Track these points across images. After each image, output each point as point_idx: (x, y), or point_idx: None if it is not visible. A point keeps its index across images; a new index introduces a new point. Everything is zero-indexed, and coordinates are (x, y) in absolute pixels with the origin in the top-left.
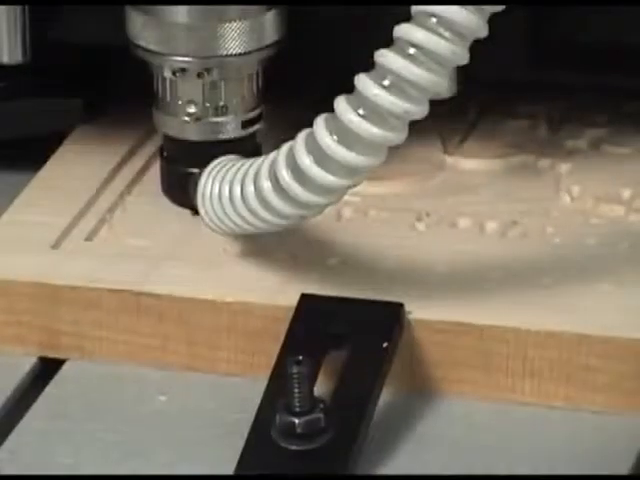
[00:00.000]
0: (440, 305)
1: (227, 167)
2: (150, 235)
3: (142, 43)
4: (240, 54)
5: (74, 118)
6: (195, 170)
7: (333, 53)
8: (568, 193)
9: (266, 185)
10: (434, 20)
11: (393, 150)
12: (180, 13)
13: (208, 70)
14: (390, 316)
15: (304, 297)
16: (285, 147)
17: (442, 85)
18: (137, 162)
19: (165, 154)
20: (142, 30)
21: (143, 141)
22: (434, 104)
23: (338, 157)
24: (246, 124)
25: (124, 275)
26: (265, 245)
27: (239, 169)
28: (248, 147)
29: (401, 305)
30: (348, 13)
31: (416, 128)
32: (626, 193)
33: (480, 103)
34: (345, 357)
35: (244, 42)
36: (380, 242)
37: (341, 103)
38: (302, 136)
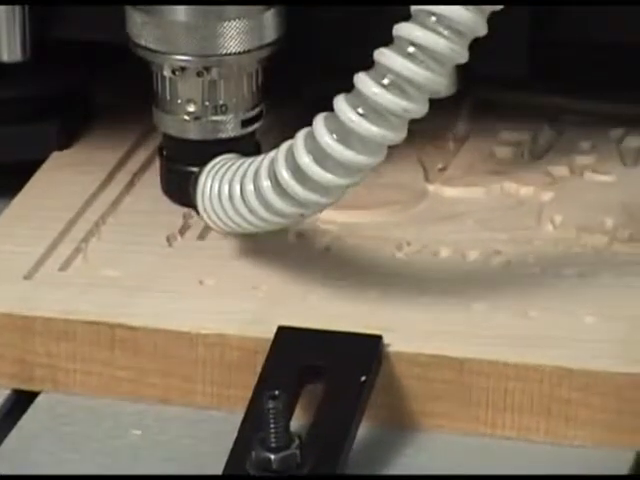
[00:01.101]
0: (419, 337)
1: (227, 166)
2: (125, 265)
3: (142, 42)
4: (239, 53)
5: (49, 145)
6: (195, 169)
7: (333, 53)
8: (551, 222)
9: (265, 184)
10: (433, 19)
11: (374, 178)
12: (180, 12)
13: (208, 69)
14: (368, 349)
15: (281, 329)
16: (284, 146)
17: (441, 84)
18: (113, 191)
19: (165, 153)
20: (142, 29)
21: (119, 167)
22: (416, 133)
23: (337, 156)
24: (246, 123)
25: (98, 306)
26: (242, 275)
27: (239, 168)
28: (248, 146)
29: (379, 337)
30: (348, 13)
31: (397, 155)
32: (609, 222)
33: (463, 129)
34: (322, 390)
35: (243, 41)
36: (359, 272)
37: (340, 102)
38: (301, 135)
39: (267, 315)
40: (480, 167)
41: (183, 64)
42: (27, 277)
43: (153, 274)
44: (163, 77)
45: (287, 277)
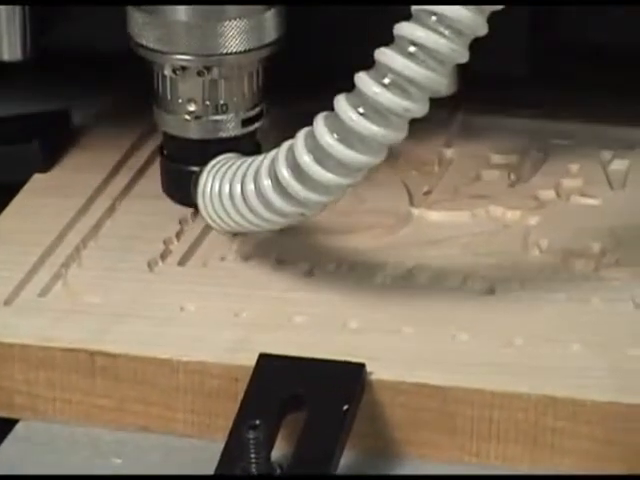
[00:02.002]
0: (403, 365)
1: (227, 165)
2: (106, 291)
3: (143, 41)
4: (240, 52)
5: (29, 167)
6: (195, 168)
7: (333, 53)
8: (537, 246)
9: (266, 183)
10: (434, 18)
11: (357, 202)
12: (180, 12)
13: (208, 68)
14: (351, 377)
15: (262, 357)
16: (285, 145)
17: (442, 83)
18: (94, 215)
19: (165, 152)
20: (143, 28)
21: (100, 191)
22: (401, 156)
23: (338, 155)
24: (246, 122)
25: (78, 333)
26: (223, 302)
27: (239, 167)
28: (248, 145)
29: (362, 365)
30: (348, 13)
31: (381, 179)
32: (596, 247)
33: (448, 152)
34: (304, 419)
35: (244, 40)
36: (342, 298)
37: (341, 101)
38: (302, 134)
39: (248, 342)
40: (465, 191)
41: (184, 63)
42: (7, 303)
43: (134, 300)
44: (164, 77)
45: (269, 303)
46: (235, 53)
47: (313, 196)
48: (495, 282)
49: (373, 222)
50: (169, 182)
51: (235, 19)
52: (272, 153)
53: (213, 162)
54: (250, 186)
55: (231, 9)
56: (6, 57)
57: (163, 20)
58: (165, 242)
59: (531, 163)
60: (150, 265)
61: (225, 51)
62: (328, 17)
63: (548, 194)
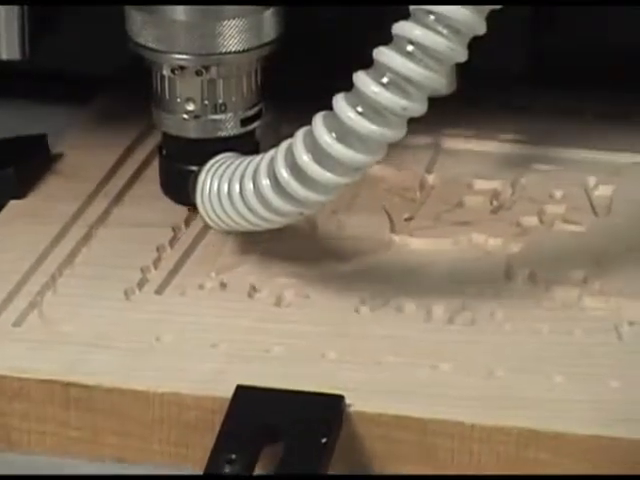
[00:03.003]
0: (382, 397)
1: (226, 165)
2: (81, 320)
3: (141, 41)
4: (238, 52)
5: (5, 194)
6: (194, 168)
7: (333, 53)
8: (520, 274)
9: (265, 183)
10: (432, 18)
11: (337, 230)
12: (179, 11)
13: (207, 68)
14: (329, 409)
15: (240, 388)
16: (284, 145)
17: (440, 82)
18: (69, 242)
19: (164, 152)
20: (141, 28)
21: (76, 218)
22: (382, 182)
23: (337, 155)
24: (245, 122)
25: (53, 364)
26: (200, 332)
27: (238, 167)
28: (247, 145)
29: (341, 397)
30: (348, 13)
31: (362, 205)
32: (580, 274)
33: (430, 177)
34: (282, 452)
35: (242, 40)
36: (320, 328)
37: (340, 101)
38: (301, 134)
39: (225, 373)
40: (447, 217)
41: (182, 63)
42: None
43: (110, 330)
44: (162, 76)
45: (246, 334)
46: (234, 52)
47: (312, 195)
48: (477, 312)
49: (352, 249)
50: (168, 182)
51: (234, 18)
52: (271, 152)
53: (212, 161)
54: (249, 185)
55: (230, 9)
56: (4, 56)
57: (162, 19)
58: (142, 270)
59: (514, 189)
60: (127, 294)
61: (224, 50)
62: (328, 17)
63: (531, 221)
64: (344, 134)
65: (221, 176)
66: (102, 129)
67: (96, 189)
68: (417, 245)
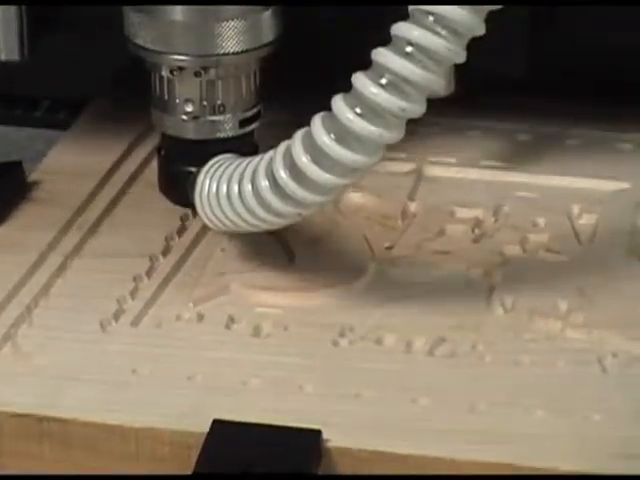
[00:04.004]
0: (361, 432)
1: (225, 166)
2: (56, 353)
3: (139, 42)
4: (237, 53)
5: None
6: (193, 169)
7: (333, 53)
8: (501, 305)
9: (264, 184)
10: (431, 18)
11: (315, 260)
12: (178, 12)
13: (205, 69)
14: (307, 444)
15: (216, 423)
16: (282, 146)
17: (439, 83)
18: (45, 273)
19: (163, 152)
20: (140, 29)
21: (52, 248)
22: (363, 210)
23: (335, 155)
24: (244, 123)
25: (27, 397)
26: (177, 364)
27: (237, 168)
28: (246, 146)
29: (319, 432)
30: (348, 13)
31: (342, 233)
32: (563, 305)
33: (412, 205)
34: None
35: (241, 41)
36: (298, 360)
37: (338, 102)
38: (299, 135)
39: (202, 407)
40: (429, 246)
41: (181, 64)
42: None
43: (85, 362)
44: (161, 77)
45: (223, 367)
46: (232, 54)
47: (311, 196)
48: (457, 343)
49: (332, 279)
50: (166, 183)
51: (232, 20)
52: (270, 153)
53: (210, 162)
54: (247, 186)
55: (228, 9)
56: (3, 57)
57: (160, 20)
58: (119, 301)
59: (496, 217)
60: (103, 325)
61: (222, 52)
62: (328, 17)
63: (514, 249)
64: (343, 135)
65: (220, 177)
66: (80, 155)
67: (72, 217)
68: (397, 275)
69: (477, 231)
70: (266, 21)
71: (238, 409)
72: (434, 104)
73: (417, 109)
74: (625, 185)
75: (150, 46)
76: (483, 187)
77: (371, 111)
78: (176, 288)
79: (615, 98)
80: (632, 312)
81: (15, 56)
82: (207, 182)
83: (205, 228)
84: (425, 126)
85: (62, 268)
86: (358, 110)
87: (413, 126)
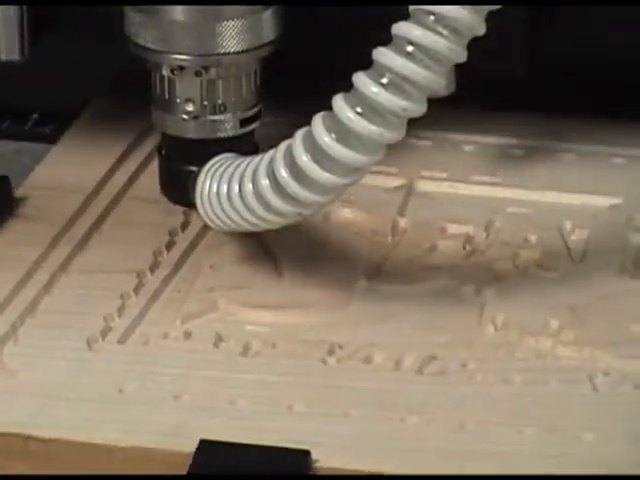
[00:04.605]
0: (349, 452)
1: (225, 165)
2: (42, 371)
3: (140, 41)
4: (238, 52)
5: None
6: (193, 168)
7: (333, 53)
8: (492, 322)
9: (264, 183)
10: (432, 18)
11: (305, 276)
12: (178, 11)
13: (206, 68)
14: (295, 464)
15: (203, 443)
16: (283, 145)
17: (440, 83)
18: (33, 288)
19: (163, 152)
20: (140, 28)
21: (38, 265)
22: (353, 225)
23: (336, 155)
24: (244, 122)
25: (12, 416)
26: (164, 383)
27: (237, 167)
28: (246, 145)
29: (307, 452)
30: (348, 13)
31: (332, 250)
32: (554, 323)
33: (402, 221)
34: None
35: (242, 40)
36: (287, 379)
37: (339, 101)
38: (300, 134)
39: (189, 427)
40: (419, 262)
41: (182, 63)
42: None
43: (71, 381)
44: (162, 77)
45: (211, 385)
46: (233, 53)
47: (311, 196)
48: (448, 361)
49: (321, 296)
50: (167, 182)
51: (233, 19)
52: (270, 153)
53: (211, 162)
54: (248, 186)
55: (229, 9)
56: (3, 57)
57: (161, 20)
58: (105, 318)
59: (488, 233)
60: (89, 343)
61: (223, 51)
62: (328, 17)
63: (505, 266)
64: (343, 134)
65: (220, 177)
66: (68, 168)
67: (60, 233)
68: (387, 291)
69: (468, 247)
70: (267, 21)
71: (225, 429)
72: (425, 118)
73: (418, 108)
74: (617, 200)
75: (151, 46)
76: (475, 203)
77: (372, 110)
78: (164, 305)
79: (610, 110)
80: (624, 330)
81: (16, 56)
82: (208, 181)
83: (194, 243)
84: (417, 140)
85: (49, 285)
86: (359, 109)
87: (405, 140)
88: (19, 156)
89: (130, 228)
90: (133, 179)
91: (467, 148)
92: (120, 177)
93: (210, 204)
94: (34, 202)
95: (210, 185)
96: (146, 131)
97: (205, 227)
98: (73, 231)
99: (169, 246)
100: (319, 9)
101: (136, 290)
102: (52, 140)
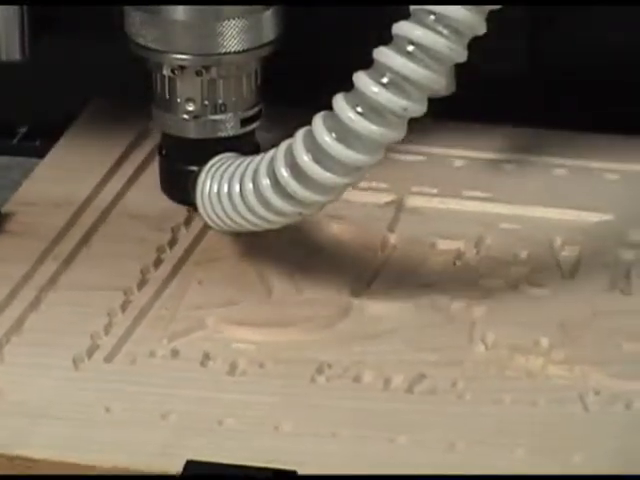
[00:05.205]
0: (338, 473)
1: (226, 165)
2: (28, 390)
3: (141, 41)
4: (239, 52)
5: None
6: (194, 168)
7: (333, 53)
8: (482, 341)
9: (265, 183)
10: (432, 18)
11: (293, 294)
12: (179, 11)
13: (207, 68)
14: None
15: (190, 463)
16: (284, 145)
17: (440, 82)
18: (19, 306)
19: (164, 152)
20: (141, 28)
21: (24, 282)
22: (343, 241)
23: (336, 155)
24: (245, 122)
25: None
26: (151, 402)
27: (238, 167)
28: (247, 145)
29: (294, 473)
30: (348, 13)
31: (321, 267)
32: (544, 341)
33: (392, 237)
34: None
35: (243, 40)
36: (274, 399)
37: (339, 101)
38: (301, 134)
39: (175, 447)
40: (409, 279)
41: (182, 63)
42: None
43: (57, 400)
44: (162, 76)
45: (198, 405)
46: (234, 53)
47: (312, 195)
48: (437, 380)
49: (310, 314)
50: (167, 182)
51: (234, 19)
52: (271, 152)
53: (212, 162)
54: (249, 185)
55: (230, 9)
56: (4, 57)
57: (161, 19)
58: (92, 337)
59: (478, 249)
60: (75, 362)
61: (224, 51)
62: (328, 17)
63: (496, 282)
64: (344, 134)
65: (221, 176)
66: (56, 183)
67: (47, 249)
68: (377, 309)
69: (459, 263)
70: (267, 20)
71: (213, 449)
72: (417, 133)
73: (418, 108)
74: (609, 217)
75: (151, 45)
76: (465, 218)
77: (372, 110)
78: (151, 323)
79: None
80: (615, 348)
81: (16, 56)
82: (208, 181)
83: (182, 260)
84: (407, 156)
85: (36, 302)
86: (359, 109)
87: (395, 156)
88: (7, 171)
89: (118, 244)
90: (121, 194)
91: (458, 163)
92: (108, 192)
93: (211, 204)
94: (21, 218)
95: (211, 185)
96: (135, 142)
97: (193, 244)
98: (60, 247)
99: (157, 263)
100: (319, 9)
101: (123, 307)
102: (41, 154)
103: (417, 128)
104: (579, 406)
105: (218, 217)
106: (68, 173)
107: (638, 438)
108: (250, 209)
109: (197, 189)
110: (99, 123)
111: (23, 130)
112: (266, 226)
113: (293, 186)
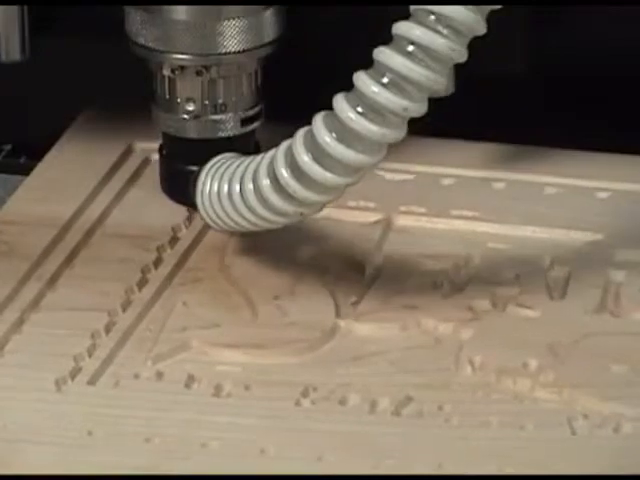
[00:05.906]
0: None
1: (226, 165)
2: (9, 413)
3: (141, 41)
4: (239, 52)
5: None
6: (194, 168)
7: (333, 53)
8: (470, 363)
9: (265, 183)
10: (433, 17)
11: (279, 316)
12: (179, 11)
13: (207, 68)
14: None
15: None
16: (284, 145)
17: (440, 82)
18: (1, 327)
19: (164, 152)
20: (141, 28)
21: (7, 303)
22: (329, 263)
23: (337, 155)
24: (245, 122)
25: None
26: (134, 426)
27: (238, 167)
28: (247, 145)
29: None
30: (348, 13)
31: (306, 288)
32: (533, 364)
33: (379, 257)
34: None
35: (243, 40)
36: (259, 422)
37: (340, 101)
38: (301, 134)
39: (159, 470)
40: (396, 300)
41: (182, 63)
42: None
43: (40, 423)
44: (162, 76)
45: (182, 427)
46: (234, 52)
47: (312, 196)
48: (424, 404)
49: (295, 336)
50: (168, 182)
51: (234, 18)
52: (271, 152)
53: (212, 162)
54: (249, 185)
55: (230, 8)
56: (4, 58)
57: (162, 19)
58: (75, 359)
59: (466, 269)
60: (58, 384)
61: (224, 50)
62: (328, 17)
63: (483, 304)
64: (344, 134)
65: (221, 176)
66: (39, 203)
67: (30, 270)
68: (363, 331)
69: (446, 284)
70: (267, 20)
71: (197, 472)
72: (405, 151)
73: (418, 108)
74: (599, 236)
75: (151, 45)
76: (453, 237)
77: (372, 110)
78: (135, 345)
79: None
80: (604, 370)
81: (16, 56)
82: (208, 181)
83: (167, 280)
84: (395, 174)
85: (18, 323)
86: (359, 109)
87: (382, 174)
88: None
89: (102, 264)
90: (106, 213)
91: (446, 182)
92: (93, 211)
93: (211, 204)
94: (4, 237)
95: (211, 185)
96: (120, 160)
97: (178, 264)
98: (44, 267)
99: (142, 283)
100: (319, 9)
101: (107, 329)
102: (25, 172)
103: (405, 146)
104: (567, 430)
105: (218, 217)
106: (52, 191)
107: (626, 462)
108: (250, 209)
109: (197, 189)
110: (85, 140)
111: (7, 147)
112: (266, 226)
113: (293, 186)
